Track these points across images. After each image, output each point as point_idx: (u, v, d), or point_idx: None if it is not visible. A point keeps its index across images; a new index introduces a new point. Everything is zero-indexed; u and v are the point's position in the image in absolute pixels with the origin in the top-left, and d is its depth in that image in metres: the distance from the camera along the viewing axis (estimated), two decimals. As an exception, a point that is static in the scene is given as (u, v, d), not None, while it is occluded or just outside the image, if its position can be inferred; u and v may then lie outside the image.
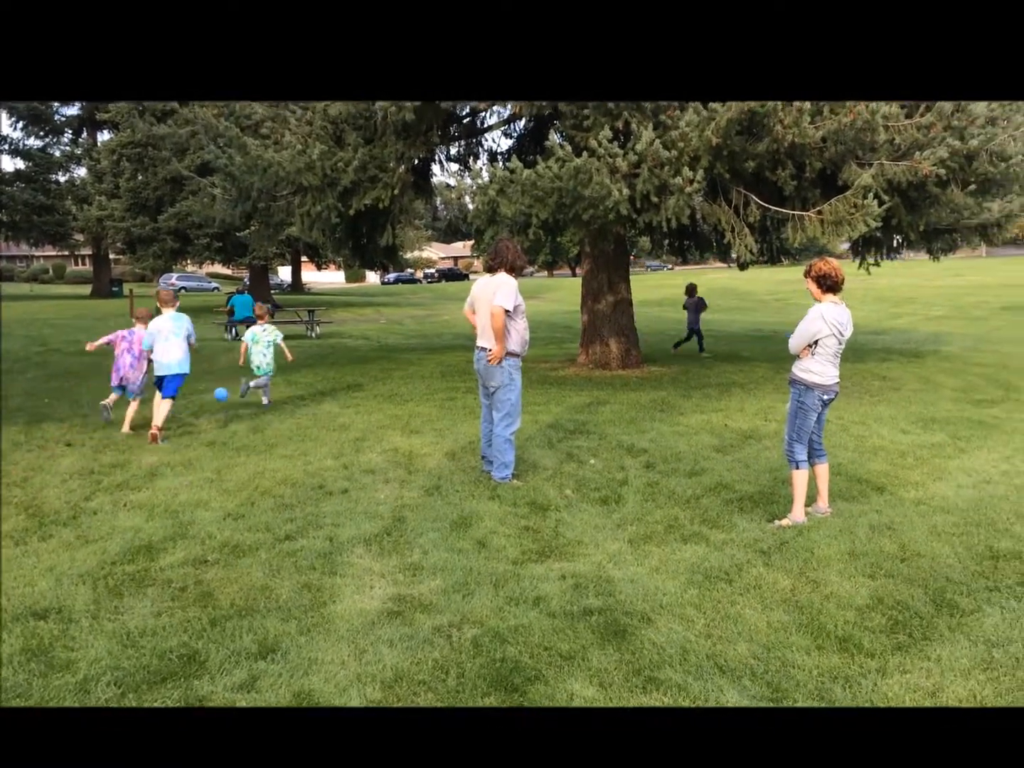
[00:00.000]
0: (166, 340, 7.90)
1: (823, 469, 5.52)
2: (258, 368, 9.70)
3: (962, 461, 6.92)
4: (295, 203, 11.22)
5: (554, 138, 8.98)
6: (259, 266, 34.23)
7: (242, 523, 5.28)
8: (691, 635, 3.69)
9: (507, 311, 5.98)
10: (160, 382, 7.94)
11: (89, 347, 8.52)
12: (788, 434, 5.42)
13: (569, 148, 8.92)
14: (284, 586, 4.26)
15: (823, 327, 5.12)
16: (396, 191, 10.88)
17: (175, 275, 49.02)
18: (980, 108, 9.80)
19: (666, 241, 15.96)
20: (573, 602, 4.06)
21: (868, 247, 13.12)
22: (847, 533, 5.03)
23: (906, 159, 9.50)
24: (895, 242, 13.08)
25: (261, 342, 9.71)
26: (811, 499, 5.51)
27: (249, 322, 19.78)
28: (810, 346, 5.19)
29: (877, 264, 13.72)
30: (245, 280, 40.33)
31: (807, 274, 5.28)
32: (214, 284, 52.50)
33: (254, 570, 4.48)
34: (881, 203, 9.21)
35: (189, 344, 8.06)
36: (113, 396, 8.48)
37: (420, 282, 70.78)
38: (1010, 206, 12.97)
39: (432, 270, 75.41)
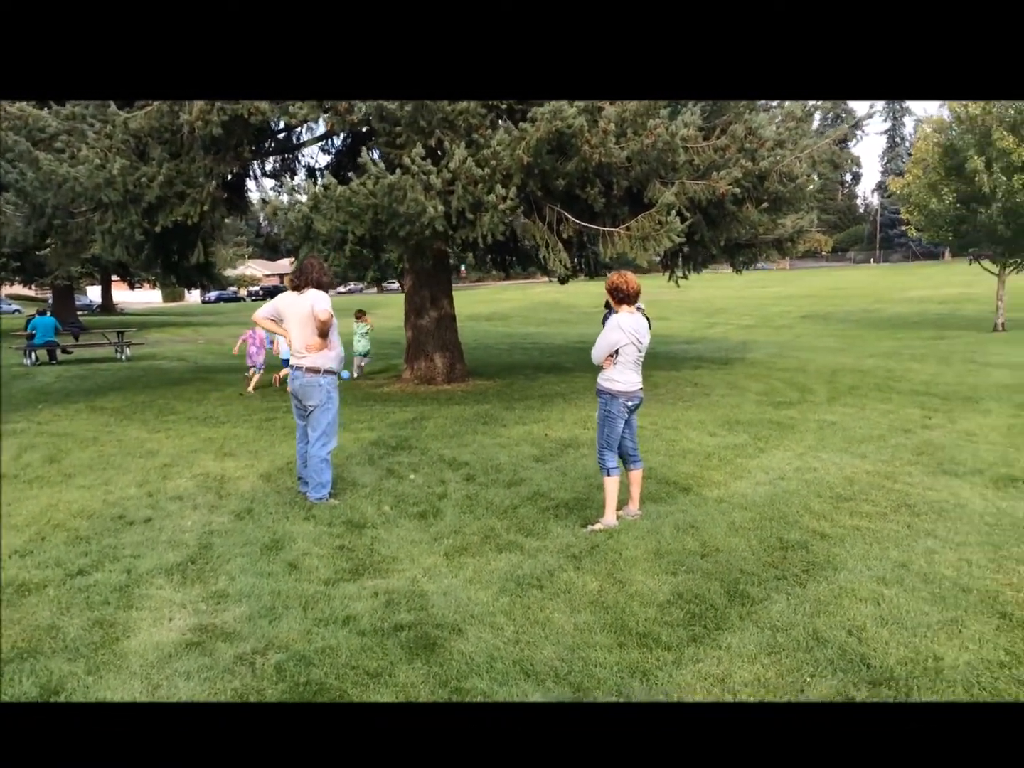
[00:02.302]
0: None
1: (637, 475, 5.69)
2: (361, 352, 14.60)
3: (761, 460, 7.37)
4: (95, 220, 10.60)
5: (367, 155, 8.90)
6: (62, 286, 32.15)
7: (29, 560, 4.90)
8: (500, 642, 3.72)
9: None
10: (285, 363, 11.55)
11: (235, 351, 13.97)
12: (599, 442, 5.59)
13: (383, 165, 8.90)
14: (73, 624, 3.98)
15: (621, 336, 5.32)
16: (206, 207, 10.48)
17: (-31, 297, 45.29)
18: (769, 132, 10.56)
19: (488, 256, 16.20)
20: (384, 619, 4.01)
21: (676, 261, 13.82)
22: (654, 533, 5.23)
23: (705, 178, 10.07)
24: (700, 256, 13.83)
25: (358, 332, 14.56)
26: (624, 502, 5.70)
27: (50, 346, 18.46)
28: (612, 355, 5.38)
29: (685, 277, 14.47)
30: (48, 301, 37.76)
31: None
32: (15, 306, 48.70)
33: (40, 609, 4.16)
34: (683, 220, 9.71)
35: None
36: (252, 371, 12.71)
37: (244, 300, 68.51)
38: (802, 222, 14.06)
39: (257, 288, 73.14)
